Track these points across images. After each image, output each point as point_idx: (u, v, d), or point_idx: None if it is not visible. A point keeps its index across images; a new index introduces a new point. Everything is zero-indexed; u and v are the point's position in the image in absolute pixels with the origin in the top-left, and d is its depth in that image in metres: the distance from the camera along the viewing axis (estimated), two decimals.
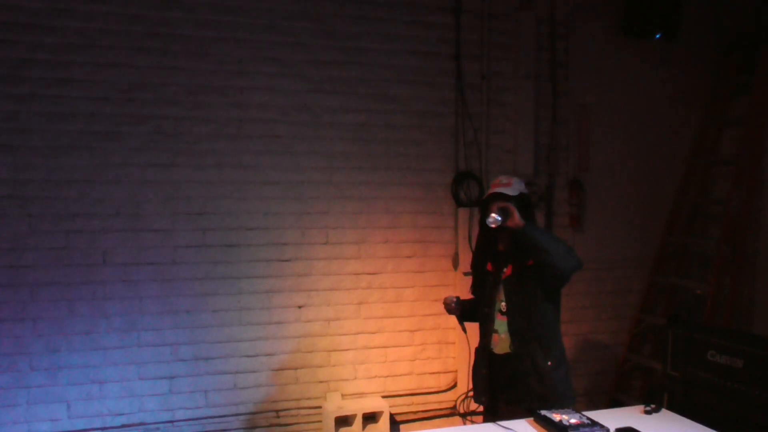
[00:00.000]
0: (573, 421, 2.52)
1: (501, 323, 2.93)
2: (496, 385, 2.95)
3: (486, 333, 2.98)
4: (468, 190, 4.41)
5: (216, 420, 4.00)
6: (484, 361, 2.98)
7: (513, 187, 2.92)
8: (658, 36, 4.65)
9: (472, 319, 3.10)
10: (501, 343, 2.93)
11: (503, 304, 2.93)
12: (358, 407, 4.08)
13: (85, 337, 3.76)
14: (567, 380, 2.91)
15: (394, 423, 4.32)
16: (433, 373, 4.42)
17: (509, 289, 2.91)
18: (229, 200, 4.00)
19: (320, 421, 4.16)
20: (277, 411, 4.12)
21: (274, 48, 4.04)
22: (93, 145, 3.77)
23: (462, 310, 3.04)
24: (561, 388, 2.85)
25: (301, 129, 4.12)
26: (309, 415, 4.17)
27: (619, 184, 4.79)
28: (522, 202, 2.89)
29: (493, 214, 2.77)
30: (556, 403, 2.74)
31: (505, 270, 2.94)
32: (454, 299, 3.02)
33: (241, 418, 4.05)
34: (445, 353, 4.43)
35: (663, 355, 3.84)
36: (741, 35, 4.72)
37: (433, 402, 4.43)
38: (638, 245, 4.84)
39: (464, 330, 3.07)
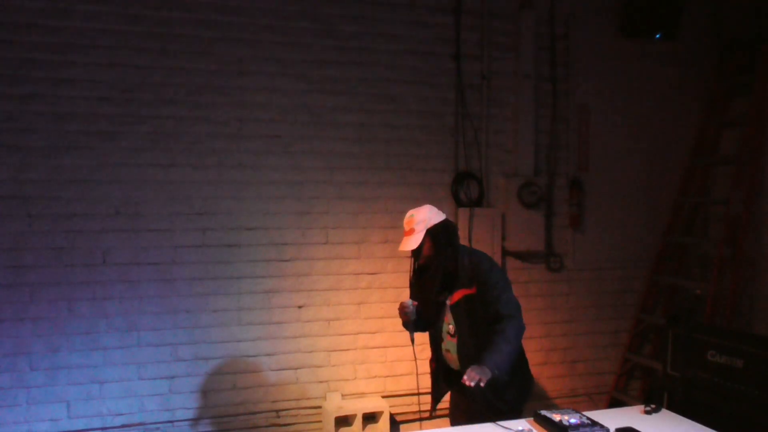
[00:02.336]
0: (573, 421, 2.52)
1: (451, 343, 2.97)
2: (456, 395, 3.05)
3: (437, 350, 3.05)
4: (468, 190, 4.41)
5: (216, 420, 4.00)
6: (442, 375, 3.05)
7: (415, 234, 2.89)
8: (658, 36, 4.65)
9: (425, 329, 3.13)
10: (454, 361, 2.98)
11: (451, 326, 2.95)
12: (358, 407, 4.08)
13: (85, 337, 3.76)
14: (521, 392, 2.96)
15: (394, 423, 4.32)
16: None
17: (457, 314, 2.92)
18: (229, 200, 4.00)
19: (320, 421, 4.16)
20: (277, 411, 4.12)
21: (274, 48, 4.04)
22: (93, 145, 3.77)
23: (418, 319, 3.01)
24: (511, 399, 2.89)
25: (301, 129, 4.12)
26: (309, 415, 4.17)
27: (619, 184, 4.79)
28: (432, 235, 2.89)
29: (469, 382, 2.64)
30: (509, 415, 2.76)
31: (450, 297, 2.93)
32: (410, 305, 2.96)
33: (241, 418, 4.05)
34: None
35: (663, 355, 3.84)
36: (741, 35, 4.72)
37: None
38: (638, 245, 4.84)
39: (412, 340, 3.05)
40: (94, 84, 3.76)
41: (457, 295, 2.91)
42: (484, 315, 2.85)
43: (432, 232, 2.90)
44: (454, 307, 2.92)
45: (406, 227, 2.94)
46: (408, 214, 2.97)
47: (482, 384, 2.58)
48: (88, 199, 3.76)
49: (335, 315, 4.21)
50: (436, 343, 3.07)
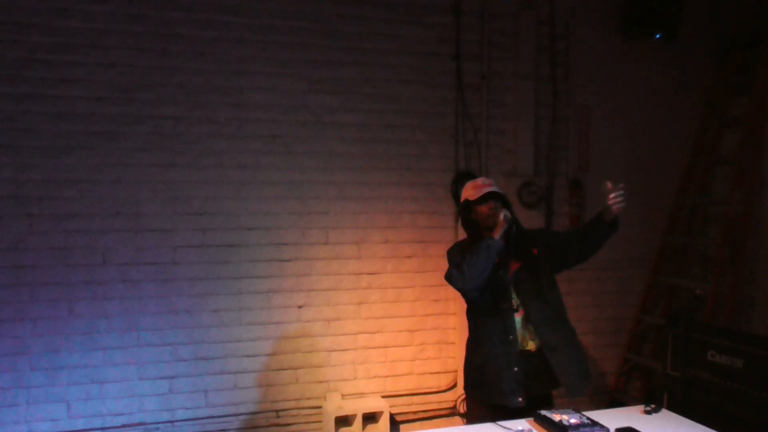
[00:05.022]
0: (573, 421, 2.52)
1: (517, 320, 2.93)
2: (526, 381, 2.90)
3: (506, 330, 2.90)
4: None
5: (216, 420, 4.00)
6: (513, 358, 2.87)
7: (496, 187, 3.01)
8: (658, 36, 4.65)
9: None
10: (526, 339, 2.92)
11: (513, 301, 2.93)
12: (358, 407, 4.08)
13: (85, 337, 3.76)
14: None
15: (394, 423, 4.32)
16: (433, 373, 4.42)
17: (519, 284, 2.94)
18: (229, 200, 4.00)
19: (320, 421, 4.16)
20: (277, 411, 4.12)
21: (274, 48, 4.04)
22: (93, 145, 3.77)
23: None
24: (588, 362, 3.04)
25: (301, 129, 4.12)
26: (309, 415, 4.17)
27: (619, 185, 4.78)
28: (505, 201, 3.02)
29: (506, 213, 2.88)
30: (586, 380, 2.95)
31: (509, 267, 2.95)
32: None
33: (241, 418, 4.05)
34: (445, 353, 4.43)
35: (663, 355, 3.84)
36: (740, 35, 4.72)
37: (433, 402, 4.43)
38: (638, 245, 4.84)
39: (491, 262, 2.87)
40: (94, 84, 3.75)
41: (513, 267, 2.94)
42: (551, 273, 2.99)
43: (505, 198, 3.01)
44: (516, 276, 2.94)
45: (480, 183, 3.01)
46: (477, 180, 3.07)
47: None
48: (88, 199, 3.76)
49: (335, 315, 4.21)
50: (505, 323, 2.90)
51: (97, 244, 3.78)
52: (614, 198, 2.78)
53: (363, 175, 4.24)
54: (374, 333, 4.28)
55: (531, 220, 4.52)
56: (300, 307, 4.14)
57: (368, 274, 4.27)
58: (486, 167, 4.46)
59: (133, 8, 3.79)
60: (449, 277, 2.93)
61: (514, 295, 2.94)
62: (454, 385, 4.43)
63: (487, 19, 4.43)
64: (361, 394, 4.27)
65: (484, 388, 2.94)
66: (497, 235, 2.86)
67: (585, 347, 4.71)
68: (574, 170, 4.68)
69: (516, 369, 2.86)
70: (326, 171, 4.17)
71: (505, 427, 2.58)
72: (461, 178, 4.39)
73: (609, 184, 2.79)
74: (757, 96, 4.44)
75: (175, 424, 3.93)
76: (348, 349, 4.24)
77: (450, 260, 3.04)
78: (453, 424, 4.24)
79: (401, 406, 4.36)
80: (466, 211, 3.03)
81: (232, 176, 4.00)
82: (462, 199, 3.06)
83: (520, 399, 2.84)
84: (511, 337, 2.89)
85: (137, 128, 3.83)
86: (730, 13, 4.84)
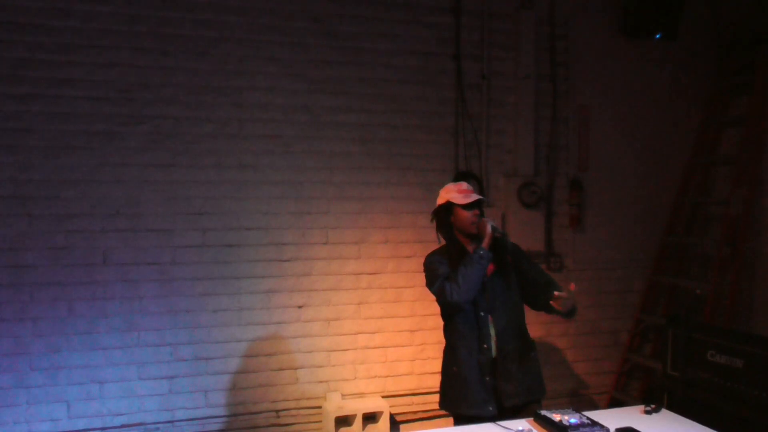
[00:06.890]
0: (573, 421, 2.52)
1: (490, 326, 2.95)
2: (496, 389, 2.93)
3: (481, 337, 2.93)
4: None
5: (216, 420, 4.00)
6: (485, 367, 2.92)
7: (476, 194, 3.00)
8: (658, 36, 4.65)
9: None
10: (491, 347, 2.94)
11: (487, 305, 2.94)
12: (358, 407, 4.08)
13: (85, 337, 3.76)
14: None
15: (394, 423, 4.32)
16: (433, 373, 4.41)
17: (493, 289, 2.95)
18: (229, 200, 4.00)
19: (320, 421, 4.16)
20: (277, 411, 4.12)
21: (274, 48, 4.04)
22: (93, 145, 3.77)
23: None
24: (541, 377, 3.03)
25: (301, 129, 4.12)
26: (309, 415, 4.17)
27: (619, 184, 4.79)
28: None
29: (492, 224, 2.91)
30: (539, 392, 2.97)
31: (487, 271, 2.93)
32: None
33: (241, 418, 4.05)
34: None
35: (663, 355, 3.84)
36: (741, 35, 4.72)
37: (433, 402, 4.40)
38: (638, 245, 4.84)
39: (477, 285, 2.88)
40: (94, 84, 3.76)
41: (490, 269, 2.94)
42: (520, 287, 2.98)
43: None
44: (491, 280, 2.95)
45: (466, 188, 2.99)
46: (461, 184, 3.03)
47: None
48: (88, 199, 3.77)
49: (335, 315, 4.21)
50: (480, 330, 2.93)
51: (97, 244, 3.78)
52: (559, 301, 2.79)
53: (363, 175, 4.24)
54: (374, 333, 4.28)
55: (531, 220, 4.52)
56: (300, 307, 4.14)
57: (368, 274, 4.27)
58: (486, 167, 4.46)
59: (133, 8, 3.79)
60: (441, 291, 2.88)
61: (489, 300, 2.95)
62: None
63: (487, 19, 4.43)
64: (361, 394, 4.27)
65: (459, 400, 2.99)
66: (486, 245, 2.87)
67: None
68: (574, 170, 4.68)
69: (488, 378, 2.91)
70: (326, 171, 4.18)
71: (505, 427, 2.58)
72: (461, 178, 4.39)
73: (573, 285, 2.82)
74: (757, 96, 4.44)
75: (175, 424, 3.93)
76: (348, 349, 4.24)
77: (431, 272, 2.97)
78: (453, 424, 4.23)
79: (401, 406, 4.36)
80: (444, 212, 2.99)
81: (232, 176, 4.00)
82: (443, 200, 3.00)
83: (491, 407, 2.88)
84: (486, 345, 2.92)
85: (137, 128, 3.83)
86: (730, 13, 4.84)
